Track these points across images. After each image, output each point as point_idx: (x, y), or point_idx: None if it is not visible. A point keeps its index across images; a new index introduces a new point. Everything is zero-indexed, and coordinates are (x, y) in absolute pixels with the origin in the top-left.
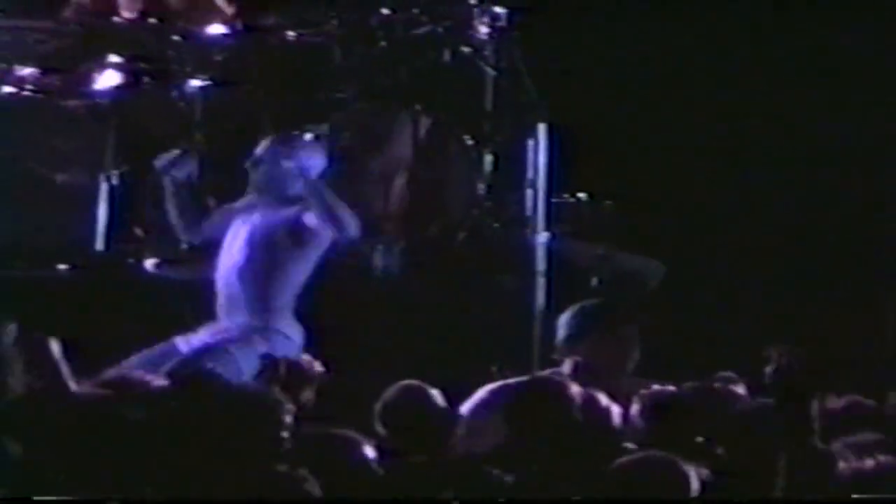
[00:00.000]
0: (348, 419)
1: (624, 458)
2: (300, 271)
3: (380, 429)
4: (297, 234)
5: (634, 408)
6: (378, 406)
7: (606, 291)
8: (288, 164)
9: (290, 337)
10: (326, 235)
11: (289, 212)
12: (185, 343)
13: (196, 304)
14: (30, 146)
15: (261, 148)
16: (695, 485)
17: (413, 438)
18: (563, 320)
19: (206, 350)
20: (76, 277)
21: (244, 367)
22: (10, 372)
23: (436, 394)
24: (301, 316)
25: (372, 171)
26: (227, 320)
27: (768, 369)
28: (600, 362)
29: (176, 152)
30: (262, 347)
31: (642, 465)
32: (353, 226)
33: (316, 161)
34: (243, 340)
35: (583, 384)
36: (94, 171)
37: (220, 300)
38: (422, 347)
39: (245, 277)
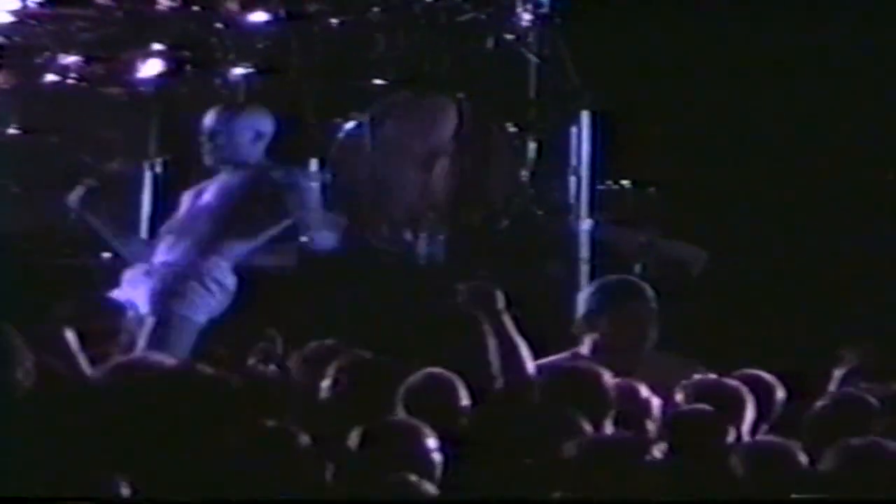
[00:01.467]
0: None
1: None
2: (255, 231)
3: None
4: (259, 196)
5: (677, 397)
6: (402, 391)
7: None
8: (242, 132)
9: (222, 285)
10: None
11: (251, 175)
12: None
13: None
14: (73, 135)
15: (211, 119)
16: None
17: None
18: (584, 296)
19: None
20: (120, 265)
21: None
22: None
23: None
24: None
25: (414, 158)
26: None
27: (839, 371)
28: (618, 339)
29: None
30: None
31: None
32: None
33: (266, 125)
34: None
35: (600, 361)
36: (138, 160)
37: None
38: (464, 335)
39: (202, 221)
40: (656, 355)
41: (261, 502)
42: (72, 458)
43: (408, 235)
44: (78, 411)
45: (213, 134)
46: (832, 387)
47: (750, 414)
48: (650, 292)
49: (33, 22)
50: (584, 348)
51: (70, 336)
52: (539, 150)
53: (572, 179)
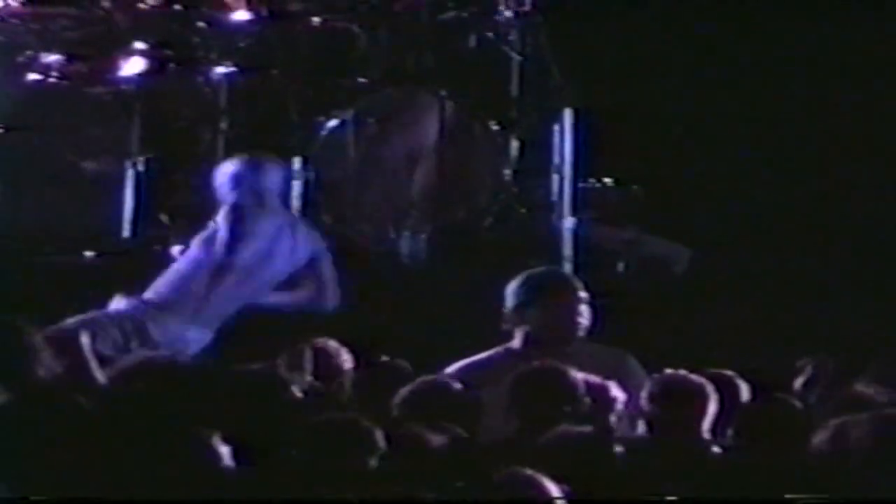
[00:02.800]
0: (373, 407)
1: None
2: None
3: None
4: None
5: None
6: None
7: (633, 276)
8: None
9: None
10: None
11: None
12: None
13: None
14: (56, 133)
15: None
16: None
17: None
18: (511, 289)
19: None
20: (103, 264)
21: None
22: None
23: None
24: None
25: (397, 157)
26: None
27: (800, 380)
28: (548, 331)
29: None
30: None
31: None
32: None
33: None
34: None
35: (532, 354)
36: (120, 158)
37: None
38: (448, 334)
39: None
40: (586, 346)
41: (266, 502)
42: (79, 459)
43: (391, 233)
44: (89, 413)
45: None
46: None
47: (712, 410)
48: (577, 282)
49: (16, 21)
50: (516, 342)
51: (84, 339)
52: (522, 148)
53: (555, 177)
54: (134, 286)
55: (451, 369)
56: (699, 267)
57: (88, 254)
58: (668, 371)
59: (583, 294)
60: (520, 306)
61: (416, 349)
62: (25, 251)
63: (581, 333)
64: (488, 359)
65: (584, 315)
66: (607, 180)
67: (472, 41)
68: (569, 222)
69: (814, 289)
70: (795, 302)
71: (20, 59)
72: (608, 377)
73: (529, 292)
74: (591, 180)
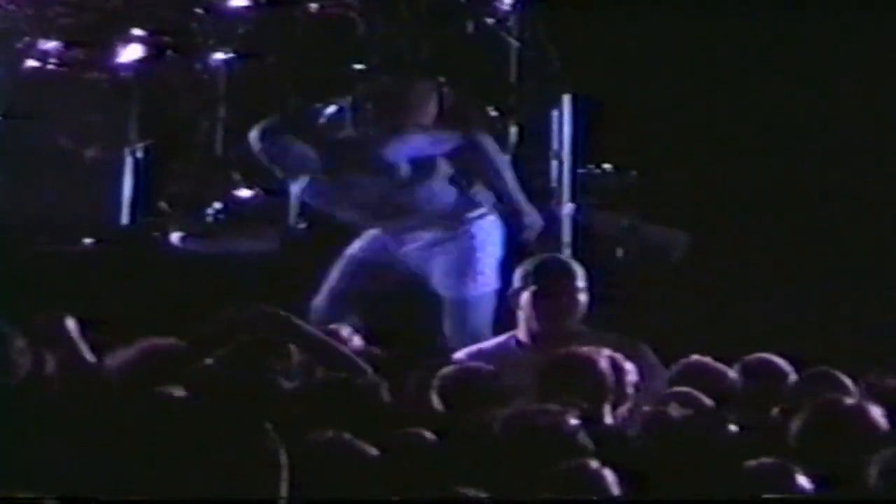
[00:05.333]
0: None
1: None
2: None
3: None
4: None
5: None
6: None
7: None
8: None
9: None
10: None
11: None
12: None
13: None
14: (54, 121)
15: None
16: None
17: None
18: (514, 275)
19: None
20: (101, 251)
21: None
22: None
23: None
24: None
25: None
26: None
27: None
28: (546, 317)
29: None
30: None
31: None
32: None
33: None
34: None
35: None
36: (119, 145)
37: None
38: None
39: None
40: (596, 334)
41: (259, 501)
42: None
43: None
44: (80, 403)
45: None
46: None
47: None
48: (577, 268)
49: (12, 7)
50: (520, 330)
51: (70, 324)
52: (520, 134)
53: (554, 163)
54: (132, 274)
55: (459, 354)
56: (697, 253)
57: (87, 241)
58: (696, 357)
59: (581, 282)
60: (518, 292)
61: (415, 334)
62: (23, 239)
63: (578, 321)
64: (497, 345)
65: (583, 302)
66: (606, 166)
67: (471, 27)
68: (567, 208)
69: (812, 275)
70: (794, 288)
71: (17, 45)
72: None
73: (526, 278)
74: (590, 166)
